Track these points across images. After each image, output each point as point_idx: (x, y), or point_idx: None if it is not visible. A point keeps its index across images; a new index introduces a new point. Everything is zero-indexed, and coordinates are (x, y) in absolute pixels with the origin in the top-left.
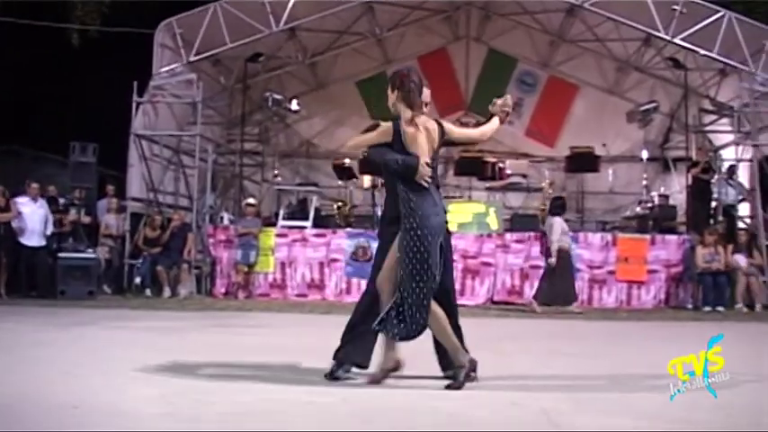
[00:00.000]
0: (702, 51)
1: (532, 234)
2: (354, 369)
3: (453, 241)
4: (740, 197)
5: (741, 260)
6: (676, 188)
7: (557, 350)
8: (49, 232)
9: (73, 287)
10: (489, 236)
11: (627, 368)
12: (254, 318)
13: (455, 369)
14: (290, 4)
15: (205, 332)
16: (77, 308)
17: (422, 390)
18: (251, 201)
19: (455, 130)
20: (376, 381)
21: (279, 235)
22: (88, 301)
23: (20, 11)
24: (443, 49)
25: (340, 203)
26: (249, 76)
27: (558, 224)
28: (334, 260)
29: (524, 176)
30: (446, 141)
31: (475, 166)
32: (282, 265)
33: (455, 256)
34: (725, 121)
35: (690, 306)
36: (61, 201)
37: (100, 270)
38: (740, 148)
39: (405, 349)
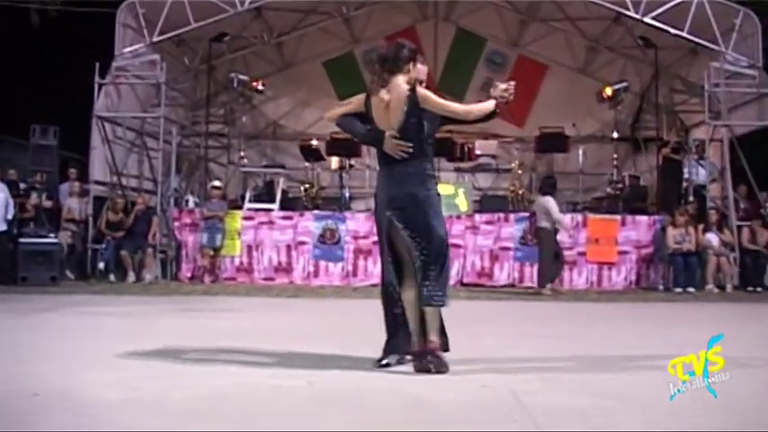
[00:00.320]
0: (673, 31)
1: (502, 215)
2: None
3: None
4: (711, 177)
5: (713, 239)
6: (647, 168)
7: (526, 332)
8: (9, 217)
9: (35, 273)
10: (458, 217)
11: (596, 349)
12: (221, 302)
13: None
14: None
15: (170, 317)
16: (39, 294)
17: (388, 373)
18: (216, 183)
19: (431, 100)
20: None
21: (245, 218)
22: (50, 288)
23: None
24: (412, 28)
25: (307, 185)
26: (214, 57)
27: (553, 202)
28: (302, 243)
29: (494, 157)
30: (433, 113)
31: (443, 147)
32: (249, 248)
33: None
34: (696, 100)
35: (660, 287)
36: (22, 185)
37: (62, 255)
38: (711, 127)
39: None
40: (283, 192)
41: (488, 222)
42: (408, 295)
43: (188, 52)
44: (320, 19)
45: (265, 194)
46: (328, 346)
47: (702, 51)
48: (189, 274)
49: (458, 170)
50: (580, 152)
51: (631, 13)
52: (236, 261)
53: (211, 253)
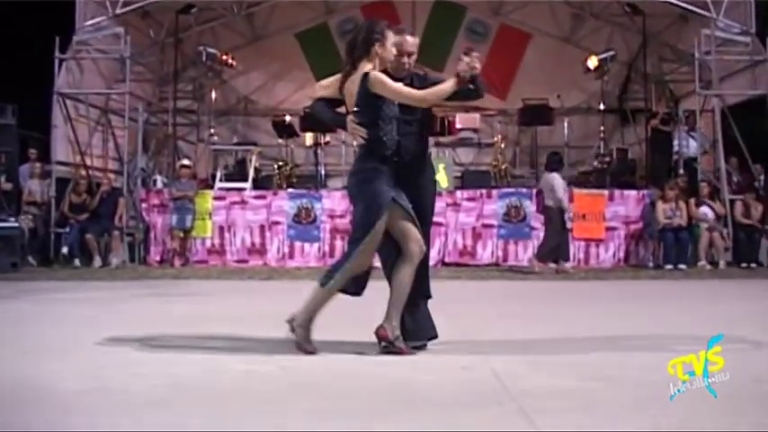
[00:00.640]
0: None
1: (484, 192)
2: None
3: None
4: (702, 149)
5: (708, 212)
6: (635, 140)
7: (510, 312)
8: None
9: None
10: (439, 194)
11: (583, 329)
12: (192, 286)
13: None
14: None
15: (138, 302)
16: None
17: (363, 356)
18: (186, 162)
19: (383, 85)
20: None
21: (216, 198)
22: (11, 274)
23: None
24: None
25: (281, 163)
26: (181, 30)
27: (559, 180)
28: (276, 223)
29: (475, 131)
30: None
31: None
32: (221, 229)
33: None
34: (686, 69)
35: (650, 264)
36: None
37: (24, 240)
38: (702, 97)
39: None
40: (256, 170)
41: (470, 199)
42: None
43: (153, 25)
44: None
45: (237, 173)
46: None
47: (693, 18)
48: (158, 258)
49: (438, 145)
50: (565, 125)
51: None
52: (208, 243)
53: (181, 235)
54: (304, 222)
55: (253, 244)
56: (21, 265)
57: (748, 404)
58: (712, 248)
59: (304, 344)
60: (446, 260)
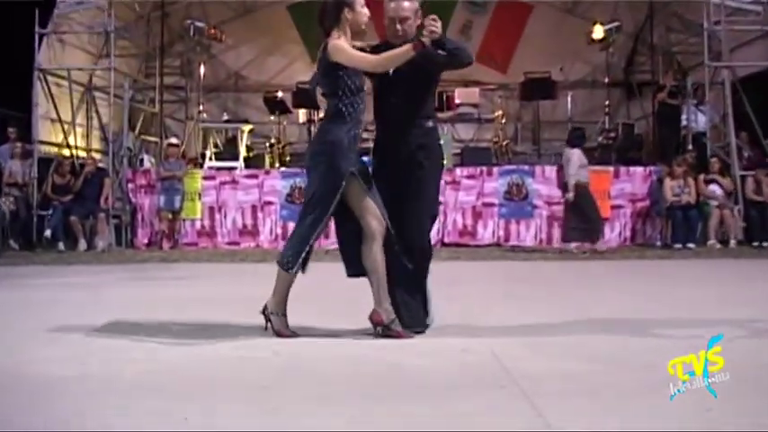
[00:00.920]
0: None
1: (485, 169)
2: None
3: None
4: (711, 124)
5: (717, 190)
6: (641, 115)
7: (511, 293)
8: None
9: None
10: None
11: (586, 311)
12: (181, 269)
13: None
14: None
15: (125, 287)
16: None
17: (359, 340)
18: (174, 141)
19: (341, 53)
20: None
21: (206, 177)
22: None
23: None
24: None
25: (273, 141)
26: (168, 3)
27: (576, 156)
28: (268, 203)
29: (475, 106)
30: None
31: None
32: (211, 210)
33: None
34: (694, 40)
35: (658, 243)
36: None
37: (5, 223)
38: (711, 69)
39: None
40: (247, 148)
41: (470, 177)
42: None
43: None
44: None
45: (227, 152)
46: (297, 315)
47: None
48: (145, 241)
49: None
50: (569, 99)
51: None
52: (197, 225)
53: (170, 216)
54: (297, 202)
55: (244, 225)
56: (2, 249)
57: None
58: (723, 227)
59: (283, 330)
60: (445, 240)
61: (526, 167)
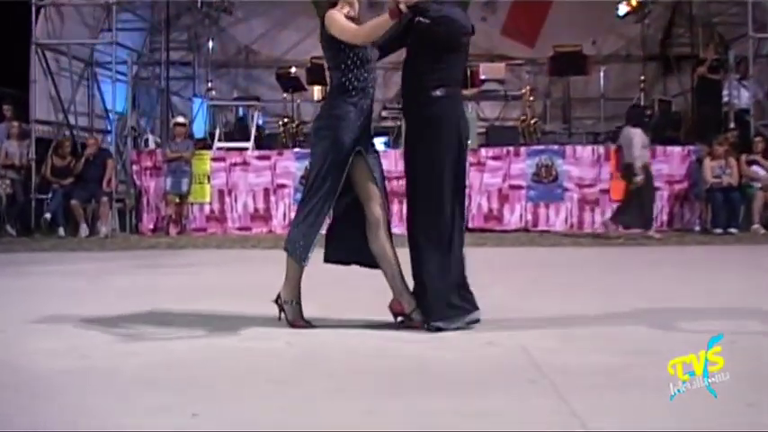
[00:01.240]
0: None
1: (511, 149)
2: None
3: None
4: (755, 99)
5: (760, 171)
6: (679, 91)
7: (540, 282)
8: None
9: None
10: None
11: (620, 300)
12: (189, 256)
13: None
14: None
15: (129, 275)
16: None
17: (378, 331)
18: (181, 120)
19: (332, 24)
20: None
21: (215, 159)
22: None
23: None
24: None
25: (286, 120)
26: None
27: (638, 137)
28: (282, 186)
29: (501, 82)
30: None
31: None
32: (220, 193)
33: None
34: (737, 10)
35: (697, 228)
36: None
37: (1, 207)
38: (755, 41)
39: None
40: (258, 128)
41: (496, 158)
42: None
43: None
44: None
45: (238, 131)
46: (313, 305)
47: None
48: (151, 226)
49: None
50: (601, 74)
51: None
52: (206, 209)
53: (177, 200)
54: None
55: (256, 209)
56: None
57: None
58: (767, 210)
59: (297, 320)
60: (470, 225)
61: (556, 147)
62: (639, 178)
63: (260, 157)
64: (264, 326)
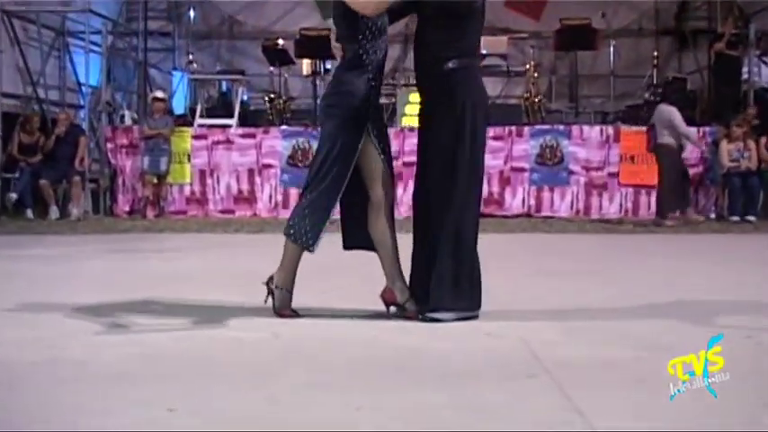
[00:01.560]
0: None
1: (514, 129)
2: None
3: (413, 140)
4: None
5: None
6: (695, 68)
7: (543, 270)
8: None
9: None
10: None
11: (628, 291)
12: (167, 240)
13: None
14: None
15: (103, 260)
16: None
17: (370, 322)
18: (159, 94)
19: None
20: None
21: (196, 137)
22: None
23: None
24: None
25: (272, 95)
26: None
27: (678, 113)
28: (267, 166)
29: (504, 57)
30: None
31: None
32: (202, 174)
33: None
34: None
35: (712, 215)
36: None
37: None
38: None
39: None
40: (243, 104)
41: (498, 138)
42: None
43: None
44: None
45: (221, 107)
46: (300, 293)
47: None
48: (127, 208)
49: None
50: (611, 49)
51: None
52: (186, 190)
53: (155, 181)
54: (300, 165)
55: (240, 191)
56: None
57: None
58: None
59: (284, 308)
60: None
61: (561, 128)
62: (705, 149)
63: (244, 135)
64: (248, 315)
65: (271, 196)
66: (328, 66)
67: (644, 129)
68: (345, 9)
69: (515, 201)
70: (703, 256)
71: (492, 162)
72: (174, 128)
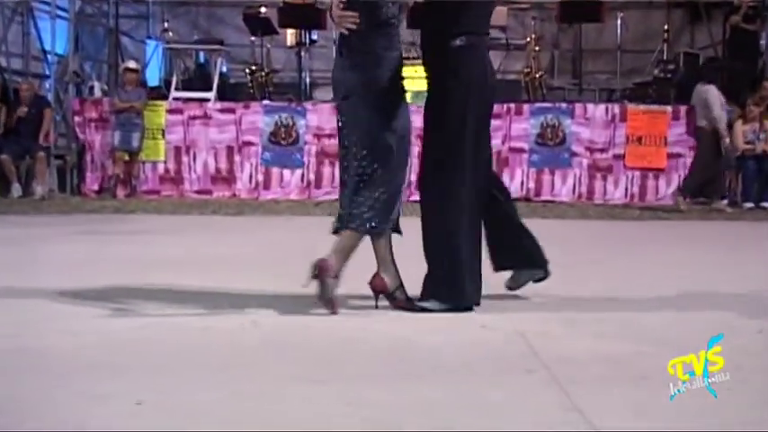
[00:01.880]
0: None
1: (513, 107)
2: None
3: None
4: None
5: None
6: (708, 43)
7: None
8: None
9: None
10: None
11: (631, 281)
12: (139, 222)
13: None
14: None
15: (69, 242)
16: None
17: (357, 312)
18: (132, 65)
19: None
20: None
21: (171, 111)
22: None
23: None
24: None
25: (254, 67)
26: None
27: (717, 94)
28: (248, 144)
29: (503, 29)
30: None
31: None
32: (177, 151)
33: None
34: None
35: (725, 201)
36: None
37: None
38: None
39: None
40: (222, 76)
41: (495, 116)
42: None
43: None
44: None
45: (198, 80)
46: (281, 280)
47: None
48: (96, 187)
49: None
50: (618, 22)
51: None
52: (160, 168)
53: (126, 158)
54: (283, 143)
55: (218, 170)
56: None
57: None
58: None
59: (333, 299)
60: None
61: (564, 106)
62: (727, 141)
63: (223, 110)
64: (226, 303)
65: (251, 176)
66: (314, 36)
67: (652, 107)
68: None
69: (513, 184)
70: (714, 244)
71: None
72: (147, 101)
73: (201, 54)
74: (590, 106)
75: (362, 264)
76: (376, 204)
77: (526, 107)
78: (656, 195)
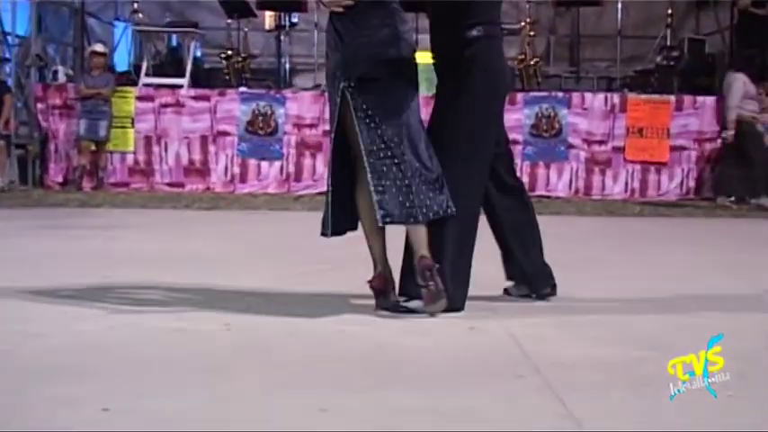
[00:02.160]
0: None
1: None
2: None
3: None
4: None
5: None
6: (715, 29)
7: None
8: None
9: None
10: None
11: (630, 282)
12: (106, 217)
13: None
14: None
15: (32, 237)
16: None
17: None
18: (99, 48)
19: None
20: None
21: (141, 98)
22: None
23: None
24: None
25: (230, 52)
26: None
27: (740, 83)
28: (223, 134)
29: None
30: None
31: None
32: (147, 141)
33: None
34: None
35: (732, 198)
36: None
37: None
38: None
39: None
40: (195, 61)
41: None
42: (365, 203)
43: None
44: None
45: (170, 65)
46: (258, 278)
47: None
48: (60, 179)
49: None
50: (618, 6)
51: None
52: (129, 159)
53: (93, 147)
54: (261, 133)
55: (191, 162)
56: None
57: None
58: None
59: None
60: None
61: (560, 95)
62: (729, 134)
63: (197, 98)
64: (198, 304)
65: (226, 168)
66: (294, 19)
67: (654, 97)
68: None
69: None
70: (719, 243)
71: None
72: (115, 87)
73: (174, 37)
74: (588, 95)
75: (360, 263)
76: (436, 185)
77: (520, 96)
78: (657, 191)
